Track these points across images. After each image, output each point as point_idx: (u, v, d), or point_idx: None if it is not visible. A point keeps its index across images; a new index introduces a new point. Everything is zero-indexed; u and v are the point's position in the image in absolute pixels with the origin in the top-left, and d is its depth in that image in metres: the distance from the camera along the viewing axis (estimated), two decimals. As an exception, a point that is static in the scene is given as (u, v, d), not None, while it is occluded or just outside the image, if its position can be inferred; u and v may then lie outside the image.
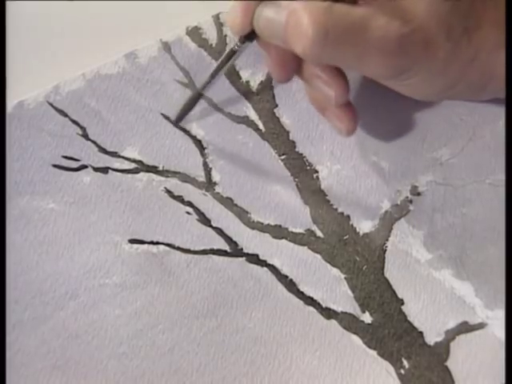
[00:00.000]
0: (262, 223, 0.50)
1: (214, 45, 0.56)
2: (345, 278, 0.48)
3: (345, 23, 0.39)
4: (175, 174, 0.52)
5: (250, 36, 0.45)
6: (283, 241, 0.49)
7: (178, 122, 0.53)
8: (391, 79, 0.44)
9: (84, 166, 0.52)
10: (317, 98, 0.50)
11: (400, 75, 0.42)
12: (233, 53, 0.47)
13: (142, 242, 0.50)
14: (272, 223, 0.50)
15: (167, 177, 0.52)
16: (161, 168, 0.52)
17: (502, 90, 0.44)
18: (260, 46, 0.46)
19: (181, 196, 0.51)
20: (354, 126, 0.48)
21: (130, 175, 0.52)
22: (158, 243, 0.50)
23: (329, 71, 0.45)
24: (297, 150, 0.52)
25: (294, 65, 0.46)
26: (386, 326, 0.46)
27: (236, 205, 0.51)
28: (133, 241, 0.50)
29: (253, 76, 0.55)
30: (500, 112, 0.51)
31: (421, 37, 0.40)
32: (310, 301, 0.48)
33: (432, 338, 0.46)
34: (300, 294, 0.48)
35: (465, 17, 0.41)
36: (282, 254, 0.49)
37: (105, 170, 0.52)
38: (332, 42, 0.39)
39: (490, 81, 0.44)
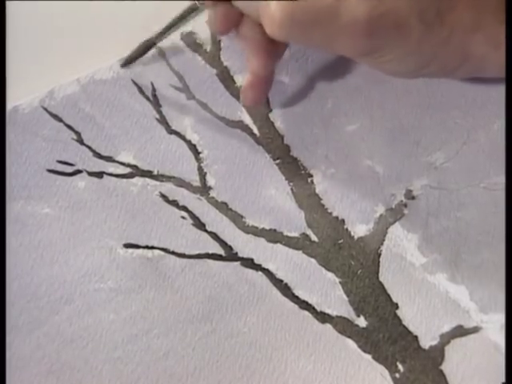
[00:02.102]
0: (257, 227, 0.50)
1: (208, 50, 0.57)
2: (339, 282, 0.48)
3: (313, 7, 0.39)
4: (170, 178, 0.52)
5: None
6: (278, 245, 0.49)
7: (124, 65, 0.55)
8: (362, 58, 0.44)
9: (79, 171, 0.52)
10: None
11: (371, 55, 0.42)
12: (193, 9, 0.47)
13: (136, 247, 0.50)
14: (267, 227, 0.50)
15: (162, 181, 0.52)
16: (155, 172, 0.52)
17: (477, 70, 0.45)
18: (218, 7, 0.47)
19: (175, 200, 0.51)
20: (258, 99, 0.49)
21: (124, 180, 0.52)
22: (152, 248, 0.50)
23: (260, 41, 0.46)
24: (291, 154, 0.52)
25: (237, 22, 0.47)
26: (381, 330, 0.46)
27: (231, 209, 0.51)
28: (128, 245, 0.50)
29: (247, 80, 0.55)
30: (494, 115, 0.51)
31: (391, 19, 0.40)
32: (304, 305, 0.48)
33: (427, 341, 0.46)
34: (295, 298, 0.48)
35: None
36: (276, 258, 0.49)
37: (99, 175, 0.52)
38: (299, 26, 0.40)
39: (464, 61, 0.44)
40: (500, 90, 0.50)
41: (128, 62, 0.54)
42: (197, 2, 0.47)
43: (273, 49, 0.48)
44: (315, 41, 0.42)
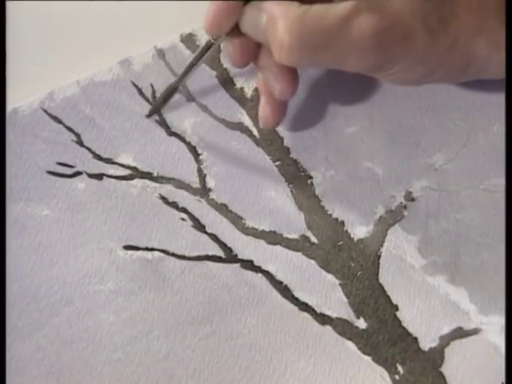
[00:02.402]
0: (257, 229, 0.50)
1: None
2: (339, 284, 0.48)
3: (320, 28, 0.39)
4: (170, 180, 0.52)
5: (229, 33, 0.46)
6: (278, 247, 0.49)
7: (151, 115, 0.54)
8: (372, 72, 0.44)
9: (78, 173, 0.52)
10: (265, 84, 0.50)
11: (380, 69, 0.42)
12: (209, 46, 0.47)
13: (136, 249, 0.50)
14: (266, 229, 0.50)
15: (162, 183, 0.52)
16: (155, 174, 0.52)
17: (481, 73, 0.45)
18: (227, 36, 0.47)
19: (175, 202, 0.51)
20: (275, 121, 0.49)
21: (124, 182, 0.52)
22: (152, 249, 0.50)
23: (280, 67, 0.46)
24: (291, 155, 0.52)
25: (254, 54, 0.47)
26: (381, 332, 0.46)
27: (230, 211, 0.51)
28: (127, 247, 0.50)
29: (247, 82, 0.55)
30: (494, 117, 0.51)
31: (398, 31, 0.40)
32: (304, 307, 0.48)
33: (426, 343, 0.46)
34: (295, 300, 0.48)
35: (440, 5, 0.41)
36: (276, 259, 0.49)
37: (99, 177, 0.52)
38: (308, 49, 0.40)
39: (469, 64, 0.44)
40: (500, 93, 0.50)
41: (155, 111, 0.53)
42: (211, 39, 0.47)
43: (293, 72, 0.48)
44: (325, 61, 0.42)
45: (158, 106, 0.53)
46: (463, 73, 0.45)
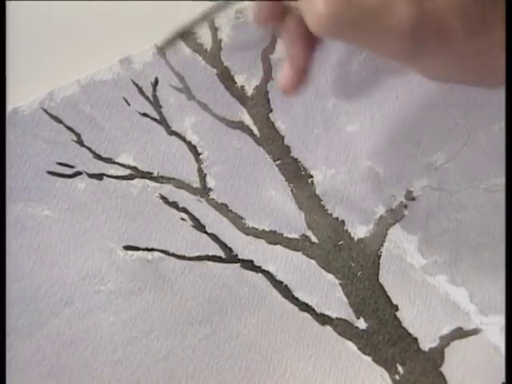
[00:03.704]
0: (257, 229, 0.50)
1: (208, 49, 0.56)
2: (339, 284, 0.48)
3: (360, 6, 0.39)
4: (170, 180, 0.52)
5: None
6: (278, 246, 0.49)
7: (162, 49, 0.53)
8: (404, 61, 0.43)
9: (79, 173, 0.52)
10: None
11: (413, 59, 0.42)
12: None
13: (136, 249, 0.50)
14: (267, 229, 0.50)
15: (162, 183, 0.52)
16: (156, 174, 0.52)
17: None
18: None
19: (175, 202, 0.51)
20: (294, 87, 0.48)
21: (124, 181, 0.52)
22: (152, 250, 0.50)
23: (302, 38, 0.45)
24: (292, 154, 0.52)
25: (280, 14, 0.46)
26: (381, 332, 0.46)
27: (231, 210, 0.51)
28: (128, 247, 0.50)
29: (248, 81, 0.55)
30: (495, 116, 0.51)
31: (436, 25, 0.39)
32: (304, 307, 0.48)
33: (426, 343, 0.46)
34: (295, 300, 0.48)
35: (483, 7, 0.41)
36: (276, 259, 0.49)
37: (99, 177, 0.52)
38: (344, 25, 0.39)
39: (501, 72, 0.44)
40: (501, 91, 0.49)
41: (166, 46, 0.52)
42: None
43: (313, 40, 0.47)
44: (358, 40, 0.41)
45: (169, 42, 0.51)
46: (496, 77, 0.45)
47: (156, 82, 0.55)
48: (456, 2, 0.40)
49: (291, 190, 0.51)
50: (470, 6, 0.40)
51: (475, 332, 0.46)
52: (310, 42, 0.47)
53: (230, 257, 0.49)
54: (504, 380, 0.43)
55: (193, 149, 0.53)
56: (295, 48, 0.47)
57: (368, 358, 0.46)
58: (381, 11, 0.39)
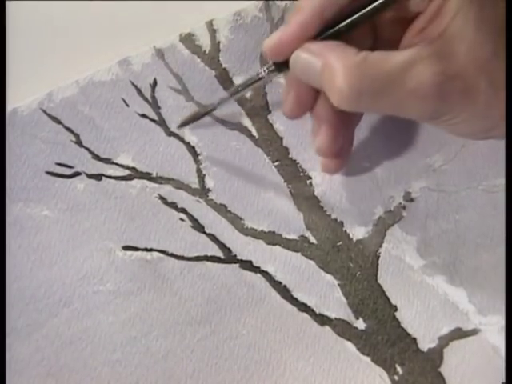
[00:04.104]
0: (256, 230, 0.50)
1: (207, 51, 0.56)
2: (338, 285, 0.48)
3: (380, 75, 0.38)
4: (169, 180, 0.52)
5: (281, 68, 0.44)
6: (277, 247, 0.49)
7: (180, 126, 0.53)
8: (430, 121, 0.43)
9: (78, 173, 0.52)
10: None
11: (438, 119, 0.41)
12: (258, 79, 0.46)
13: (135, 249, 0.50)
14: (265, 230, 0.50)
15: (161, 183, 0.52)
16: (154, 175, 0.52)
17: None
18: (286, 81, 0.46)
19: (174, 203, 0.51)
20: (334, 171, 0.49)
21: (123, 182, 0.52)
22: (151, 250, 0.50)
23: (332, 121, 0.46)
24: (290, 156, 0.52)
25: (309, 104, 0.46)
26: (380, 333, 0.46)
27: (230, 211, 0.51)
28: (126, 248, 0.50)
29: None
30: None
31: (460, 83, 0.39)
32: (303, 307, 0.48)
33: (425, 344, 0.46)
34: (294, 301, 0.48)
35: (503, 60, 0.40)
36: (275, 260, 0.49)
37: (98, 177, 0.52)
38: (367, 96, 0.39)
39: None
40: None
41: (184, 125, 0.52)
42: (263, 71, 0.46)
43: (349, 119, 0.47)
44: (383, 108, 0.41)
45: (186, 122, 0.52)
46: None
47: (155, 84, 0.56)
48: (479, 59, 0.39)
49: (290, 191, 0.51)
50: (493, 61, 0.39)
51: (474, 332, 0.46)
52: (345, 123, 0.47)
53: (229, 257, 0.49)
54: (504, 380, 0.43)
55: (191, 149, 0.53)
56: (329, 132, 0.47)
57: (367, 359, 0.46)
58: (402, 76, 0.38)
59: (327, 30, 0.42)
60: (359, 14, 0.41)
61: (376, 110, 0.42)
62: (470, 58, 0.39)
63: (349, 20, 0.41)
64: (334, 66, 0.39)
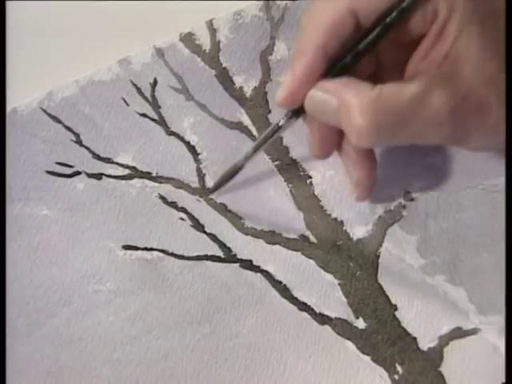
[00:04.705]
0: (256, 229, 0.50)
1: (207, 51, 0.57)
2: (338, 284, 0.48)
3: (396, 109, 0.38)
4: (169, 180, 0.52)
5: (298, 112, 0.44)
6: (277, 246, 0.49)
7: (212, 191, 0.52)
8: (446, 144, 0.43)
9: (78, 173, 0.52)
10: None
11: (455, 141, 0.41)
12: (278, 128, 0.46)
13: (135, 249, 0.50)
14: (266, 229, 0.50)
15: (161, 183, 0.52)
16: (154, 174, 0.52)
17: None
18: (306, 123, 0.46)
19: (174, 202, 0.51)
20: (362, 196, 0.49)
21: (123, 181, 0.52)
22: (151, 249, 0.50)
23: (360, 154, 0.46)
24: (290, 155, 0.52)
25: (335, 141, 0.46)
26: (380, 332, 0.46)
27: (230, 211, 0.51)
28: (126, 247, 0.50)
29: (246, 82, 0.55)
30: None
31: (472, 102, 0.39)
32: (303, 306, 0.48)
33: (425, 343, 0.46)
34: (294, 300, 0.48)
35: (505, 72, 0.39)
36: (275, 259, 0.49)
37: (98, 177, 0.52)
38: (385, 130, 0.39)
39: None
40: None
41: (216, 188, 0.52)
42: (282, 120, 0.45)
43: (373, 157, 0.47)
44: (402, 139, 0.40)
45: (219, 185, 0.51)
46: None
47: (155, 83, 0.56)
48: (486, 75, 0.39)
49: (290, 191, 0.51)
50: (500, 76, 0.39)
51: (474, 332, 0.46)
52: (371, 160, 0.47)
53: (229, 256, 0.49)
54: (503, 380, 0.43)
55: (192, 149, 0.53)
56: (358, 170, 0.47)
57: (367, 358, 0.46)
58: (417, 107, 0.38)
59: (333, 66, 0.42)
60: (363, 43, 0.41)
61: (395, 142, 0.42)
62: (478, 76, 0.39)
63: (354, 52, 0.41)
64: (350, 103, 0.39)
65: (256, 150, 0.47)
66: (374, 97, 0.39)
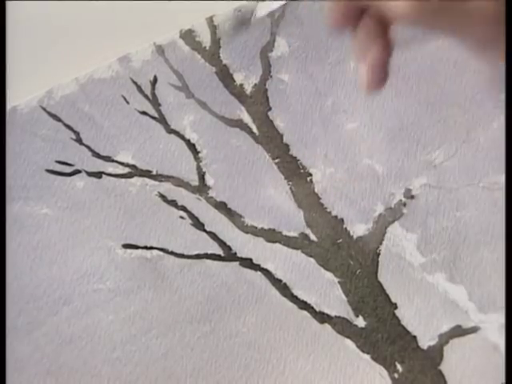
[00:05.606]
0: (256, 227, 0.50)
1: (207, 47, 0.56)
2: (338, 282, 0.48)
3: None
4: (169, 178, 0.52)
5: None
6: (277, 244, 0.49)
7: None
8: (485, 49, 0.42)
9: (77, 171, 0.52)
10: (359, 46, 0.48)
11: (494, 43, 0.41)
12: None
13: (135, 247, 0.50)
14: (266, 227, 0.50)
15: (161, 181, 0.52)
16: (154, 172, 0.52)
17: None
18: None
19: (174, 200, 0.51)
20: (377, 87, 0.47)
21: (123, 180, 0.52)
22: (151, 248, 0.50)
23: (380, 29, 0.45)
24: (290, 153, 0.52)
25: (355, 18, 0.45)
26: (380, 330, 0.46)
27: (230, 209, 0.51)
28: (126, 246, 0.50)
29: (247, 79, 0.55)
30: (493, 113, 0.51)
31: None
32: (303, 305, 0.48)
33: (425, 341, 0.46)
34: (294, 299, 0.48)
35: None
36: (275, 258, 0.49)
37: (98, 175, 0.52)
38: (426, 12, 0.38)
39: None
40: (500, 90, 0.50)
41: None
42: None
43: (390, 40, 0.46)
44: (443, 23, 0.40)
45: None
46: None
47: (155, 80, 0.55)
48: None
49: (290, 188, 0.51)
50: None
51: (474, 330, 0.46)
52: (388, 42, 0.46)
53: (229, 255, 0.49)
54: (503, 379, 0.43)
55: (192, 147, 0.53)
56: (374, 49, 0.46)
57: (367, 356, 0.46)
58: None
59: None
60: None
61: (435, 25, 0.41)
62: None
63: None
64: None
65: None
66: None
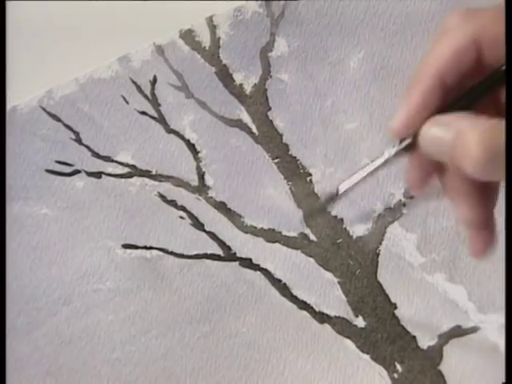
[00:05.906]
0: (256, 227, 0.50)
1: (207, 47, 0.56)
2: (338, 282, 0.48)
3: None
4: (168, 178, 0.52)
5: (408, 147, 0.42)
6: (276, 244, 0.49)
7: (309, 216, 0.51)
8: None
9: (77, 171, 0.52)
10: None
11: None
12: (385, 162, 0.44)
13: (135, 247, 0.50)
14: (265, 227, 0.50)
15: (160, 181, 0.52)
16: (154, 172, 0.52)
17: None
18: (410, 158, 0.44)
19: (174, 200, 0.51)
20: (483, 250, 0.46)
21: (123, 180, 0.52)
22: (151, 248, 0.50)
23: (468, 190, 0.43)
24: (290, 153, 0.52)
25: (432, 177, 0.45)
26: (379, 331, 0.46)
27: (229, 209, 0.51)
28: (126, 246, 0.50)
29: (246, 79, 0.55)
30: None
31: None
32: (303, 305, 0.48)
33: (425, 341, 0.46)
34: (293, 299, 0.48)
35: None
36: (275, 258, 0.49)
37: (98, 175, 0.52)
38: (501, 161, 0.38)
39: None
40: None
41: (313, 214, 0.50)
42: (390, 154, 0.42)
43: (485, 192, 0.44)
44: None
45: (316, 210, 0.51)
46: None
47: (155, 80, 0.55)
48: None
49: (290, 188, 0.51)
50: None
51: (474, 330, 0.46)
52: (483, 195, 0.44)
53: (229, 255, 0.49)
54: (503, 379, 0.43)
55: (191, 147, 0.53)
56: (469, 202, 0.44)
57: (366, 357, 0.46)
58: None
59: (452, 102, 0.39)
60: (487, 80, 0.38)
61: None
62: None
63: (477, 89, 0.38)
64: (467, 133, 0.37)
65: (358, 180, 0.44)
66: (491, 126, 0.37)
